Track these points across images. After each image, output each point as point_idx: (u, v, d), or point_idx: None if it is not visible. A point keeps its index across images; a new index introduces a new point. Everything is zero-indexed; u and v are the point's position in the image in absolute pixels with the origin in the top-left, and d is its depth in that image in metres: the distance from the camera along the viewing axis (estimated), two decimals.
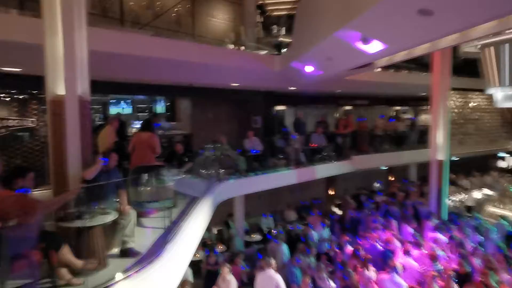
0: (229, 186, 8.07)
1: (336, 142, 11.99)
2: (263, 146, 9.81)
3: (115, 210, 4.13)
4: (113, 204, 4.24)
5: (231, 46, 10.98)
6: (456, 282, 6.15)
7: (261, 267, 6.55)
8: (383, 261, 7.14)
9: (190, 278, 6.68)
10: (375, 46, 5.97)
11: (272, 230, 10.34)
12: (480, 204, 13.14)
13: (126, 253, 3.97)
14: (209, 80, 10.22)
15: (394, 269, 6.09)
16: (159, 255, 3.77)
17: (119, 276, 3.28)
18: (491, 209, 12.50)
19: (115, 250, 4.08)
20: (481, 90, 14.06)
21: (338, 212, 12.52)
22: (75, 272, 3.44)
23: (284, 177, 9.68)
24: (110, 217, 3.93)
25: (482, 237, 8.82)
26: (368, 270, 6.33)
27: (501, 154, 16.41)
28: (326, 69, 8.78)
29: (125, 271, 3.39)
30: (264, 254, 8.59)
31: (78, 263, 3.41)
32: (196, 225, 5.39)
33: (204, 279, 7.35)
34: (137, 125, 10.50)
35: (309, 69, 8.76)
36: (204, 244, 9.55)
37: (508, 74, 7.25)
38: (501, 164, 17.20)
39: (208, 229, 9.36)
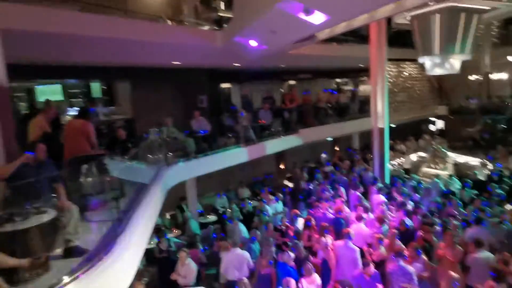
0: (179, 170, 7.80)
1: (283, 117, 12.14)
2: (211, 125, 9.57)
3: (54, 208, 3.72)
4: (50, 201, 3.82)
5: (169, 22, 10.36)
6: (400, 240, 6.62)
7: (226, 247, 6.52)
8: (336, 228, 7.48)
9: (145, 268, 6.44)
10: (317, 17, 5.96)
11: (227, 210, 10.32)
12: (416, 166, 14.29)
13: (70, 252, 3.62)
14: (148, 59, 9.60)
15: (347, 235, 6.37)
16: (110, 250, 3.51)
17: (65, 279, 2.98)
18: (425, 169, 13.66)
19: (58, 251, 3.71)
20: (412, 60, 15.00)
21: (290, 185, 12.82)
22: (14, 281, 3.07)
23: (235, 156, 9.60)
24: (47, 216, 3.53)
25: (420, 196, 9.63)
26: (324, 238, 6.57)
27: (432, 119, 17.86)
28: (270, 43, 8.67)
29: (71, 272, 3.09)
30: (221, 234, 8.61)
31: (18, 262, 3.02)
32: (148, 213, 5.12)
33: (158, 266, 7.14)
34: (71, 112, 9.62)
35: (253, 43, 8.59)
36: (158, 231, 9.28)
37: (437, 43, 7.67)
38: (432, 127, 18.79)
39: (161, 215, 9.07)
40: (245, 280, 5.35)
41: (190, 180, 9.53)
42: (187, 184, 9.89)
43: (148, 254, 7.77)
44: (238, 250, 6.43)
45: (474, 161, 13.17)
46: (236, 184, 12.75)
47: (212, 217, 10.68)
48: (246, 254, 6.48)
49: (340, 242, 6.45)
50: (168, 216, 10.67)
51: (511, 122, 15.35)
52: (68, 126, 5.29)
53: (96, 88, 11.85)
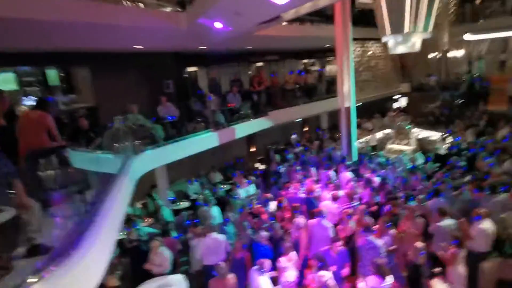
0: (147, 158, 7.60)
1: (252, 100, 12.09)
2: (178, 111, 9.35)
3: (12, 206, 3.51)
4: (8, 199, 3.59)
5: (128, 4, 9.83)
6: (368, 215, 6.89)
7: (203, 233, 6.49)
8: (308, 208, 7.66)
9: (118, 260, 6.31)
10: None
11: (200, 196, 10.26)
12: (382, 143, 14.82)
13: (34, 251, 3.45)
14: (108, 44, 9.12)
15: (320, 214, 6.54)
16: (78, 246, 3.38)
17: (30, 279, 2.84)
18: (390, 146, 14.20)
19: (21, 250, 3.52)
20: (376, 39, 15.30)
21: (262, 167, 12.92)
22: None
23: (205, 141, 9.48)
24: (5, 215, 3.32)
25: (386, 172, 10.02)
26: (297, 218, 6.71)
27: (395, 96, 18.48)
28: (235, 25, 8.48)
29: (36, 271, 2.94)
30: (194, 220, 8.57)
31: None
32: (117, 204, 4.97)
33: (130, 256, 7.03)
34: (27, 102, 9.03)
35: (218, 25, 8.36)
36: (129, 221, 9.09)
37: (400, 22, 7.80)
38: (395, 104, 19.47)
39: (132, 204, 8.88)
40: (222, 264, 5.38)
41: (160, 167, 9.34)
42: (157, 172, 9.70)
43: (121, 245, 7.65)
44: (215, 234, 6.45)
45: (435, 135, 13.83)
46: (207, 169, 12.67)
47: (184, 204, 10.60)
48: (223, 237, 6.53)
49: (313, 221, 6.62)
50: (139, 205, 10.46)
51: (468, 98, 16.15)
52: (24, 118, 4.95)
53: (52, 75, 11.14)
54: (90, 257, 3.55)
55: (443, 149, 12.09)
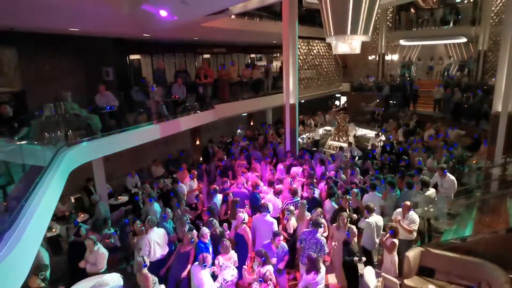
0: (82, 150, 7.08)
1: (198, 92, 11.86)
2: (118, 101, 8.83)
3: None
4: None
5: None
6: (309, 209, 7.15)
7: (145, 230, 6.31)
8: (252, 202, 7.73)
9: (46, 260, 5.82)
10: None
11: (140, 190, 9.86)
12: (323, 139, 15.48)
13: None
14: (39, 23, 8.28)
15: (265, 208, 6.62)
16: None
17: None
18: (331, 142, 14.90)
19: None
20: (321, 39, 15.86)
21: (206, 161, 12.76)
22: None
23: (146, 133, 9.10)
24: None
25: (325, 167, 10.48)
26: (240, 213, 6.72)
27: (337, 95, 19.38)
28: (181, 14, 8.23)
29: None
30: (134, 215, 8.22)
31: None
32: (45, 199, 4.57)
33: (68, 253, 6.56)
34: None
35: (163, 13, 8.04)
36: (63, 217, 8.45)
37: (342, 24, 8.13)
38: (336, 103, 20.45)
39: (64, 200, 8.26)
40: (139, 260, 5.26)
41: (96, 160, 8.77)
42: (94, 165, 9.10)
43: (53, 243, 7.11)
44: (159, 229, 6.32)
45: (371, 133, 14.78)
46: (149, 162, 12.21)
47: (123, 198, 10.12)
48: (163, 229, 6.43)
49: (257, 216, 6.69)
50: (72, 199, 9.78)
51: (401, 99, 17.49)
52: None
53: None
54: (12, 259, 3.22)
55: (376, 146, 12.96)
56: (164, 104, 10.06)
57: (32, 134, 6.56)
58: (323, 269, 5.31)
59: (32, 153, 5.93)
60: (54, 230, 7.73)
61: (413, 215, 6.50)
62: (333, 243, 6.22)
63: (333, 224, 6.59)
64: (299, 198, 7.77)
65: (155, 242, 6.16)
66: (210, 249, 6.04)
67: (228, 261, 5.56)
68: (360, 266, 6.12)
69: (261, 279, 4.87)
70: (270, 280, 4.98)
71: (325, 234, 6.52)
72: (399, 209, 6.76)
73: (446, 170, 7.98)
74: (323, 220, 6.54)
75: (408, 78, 18.38)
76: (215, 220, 6.56)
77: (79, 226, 6.92)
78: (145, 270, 5.22)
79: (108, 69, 11.61)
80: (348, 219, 6.30)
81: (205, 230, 6.11)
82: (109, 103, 8.53)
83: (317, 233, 5.97)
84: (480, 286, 5.76)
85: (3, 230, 3.30)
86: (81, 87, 10.34)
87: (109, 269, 6.12)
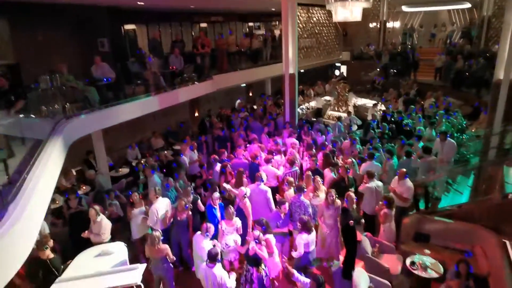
0: (81, 123, 7.06)
1: (196, 63, 11.66)
2: (115, 72, 8.69)
3: None
4: None
5: None
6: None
7: (149, 201, 6.42)
8: (251, 173, 7.82)
9: (46, 230, 5.97)
10: None
11: (140, 162, 9.94)
12: (323, 109, 15.40)
13: None
14: None
15: (259, 178, 6.74)
16: (1, 219, 3.11)
17: None
18: (330, 112, 14.82)
19: None
20: (321, 6, 15.38)
21: (202, 133, 12.76)
22: None
23: (145, 105, 9.03)
24: None
25: (325, 137, 10.51)
26: (242, 183, 6.83)
27: (337, 64, 19.06)
28: None
29: None
30: (135, 187, 8.34)
31: None
32: (47, 171, 4.62)
33: (69, 225, 6.71)
34: None
35: None
36: (66, 190, 8.56)
37: None
38: (336, 72, 20.15)
39: (66, 172, 8.33)
40: (156, 233, 5.34)
41: (96, 132, 8.77)
42: (94, 137, 9.10)
43: (56, 214, 7.24)
44: (164, 199, 6.44)
45: (370, 103, 14.68)
46: (149, 134, 12.21)
47: (124, 170, 10.21)
48: (168, 200, 6.53)
49: (253, 185, 6.80)
50: (74, 172, 9.86)
51: (402, 68, 17.21)
52: None
53: None
54: (17, 230, 3.30)
55: (376, 116, 12.92)
56: (162, 75, 9.92)
57: (29, 107, 6.51)
58: (313, 231, 5.58)
59: (30, 126, 5.94)
60: (57, 202, 7.86)
61: (408, 182, 6.59)
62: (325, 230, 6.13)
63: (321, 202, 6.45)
64: (297, 168, 7.86)
65: (162, 211, 6.28)
66: (219, 214, 6.19)
67: (231, 227, 5.71)
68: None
69: (256, 240, 5.01)
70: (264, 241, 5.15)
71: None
72: (396, 177, 6.86)
73: (449, 135, 8.00)
74: (324, 187, 6.70)
75: (410, 46, 17.99)
76: (229, 186, 6.70)
77: (80, 197, 7.03)
78: (162, 244, 5.32)
79: (103, 39, 11.34)
80: (336, 196, 6.12)
81: (216, 195, 6.25)
82: (106, 74, 8.39)
83: (301, 197, 6.19)
84: (473, 250, 5.95)
85: (8, 202, 3.35)
86: (76, 58, 10.13)
87: (113, 239, 6.30)
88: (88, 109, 7.42)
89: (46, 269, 5.04)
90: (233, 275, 4.80)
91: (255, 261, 5.00)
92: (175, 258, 5.54)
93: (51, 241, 5.24)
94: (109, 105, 8.01)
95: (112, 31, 11.83)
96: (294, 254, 5.41)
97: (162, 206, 6.31)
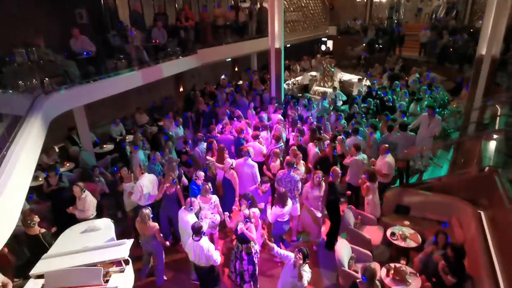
0: (61, 98, 6.86)
1: (179, 36, 11.34)
2: (95, 46, 8.38)
3: None
4: None
5: None
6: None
7: (129, 178, 6.45)
8: (236, 148, 7.85)
9: (27, 206, 5.94)
10: None
11: (125, 137, 9.81)
12: (308, 85, 15.37)
13: None
14: None
15: (246, 153, 6.78)
16: None
17: None
18: (316, 87, 14.82)
19: None
20: None
21: (187, 109, 12.61)
22: None
23: (127, 80, 8.81)
24: None
25: (310, 113, 10.56)
26: (227, 159, 6.87)
27: (323, 39, 18.85)
28: None
29: None
30: (120, 163, 8.26)
31: None
32: (27, 148, 4.52)
33: (51, 202, 6.66)
34: None
35: None
36: (50, 167, 8.43)
37: None
38: (323, 47, 19.96)
39: (47, 149, 8.16)
40: (146, 210, 5.39)
41: (78, 108, 8.56)
42: (75, 113, 8.88)
43: (39, 191, 7.15)
44: (150, 175, 6.41)
45: (356, 78, 14.71)
46: (133, 110, 11.99)
47: (108, 146, 10.08)
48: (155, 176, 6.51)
49: (240, 160, 6.86)
50: (57, 149, 9.67)
51: (388, 43, 17.18)
52: None
53: None
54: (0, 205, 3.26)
55: (361, 91, 12.99)
56: (145, 49, 9.63)
57: (5, 82, 6.26)
58: (289, 202, 5.72)
59: (7, 102, 5.75)
60: (40, 179, 7.74)
61: (387, 158, 6.72)
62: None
63: (306, 184, 6.43)
64: (282, 144, 7.92)
65: (147, 187, 6.28)
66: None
67: (206, 204, 5.77)
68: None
69: (247, 219, 5.11)
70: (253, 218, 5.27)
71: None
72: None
73: (436, 110, 8.12)
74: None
75: (396, 21, 17.90)
76: (211, 164, 6.72)
77: (60, 174, 6.94)
78: (152, 222, 5.41)
79: (81, 11, 10.82)
80: (323, 178, 6.12)
81: (200, 173, 6.28)
82: (85, 48, 8.09)
83: (291, 172, 6.25)
84: (450, 221, 6.22)
85: None
86: (53, 31, 9.66)
87: (99, 215, 6.31)
88: (68, 84, 7.19)
89: (39, 244, 5.07)
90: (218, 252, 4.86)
91: (244, 239, 5.10)
92: (164, 240, 5.60)
93: (36, 216, 5.23)
94: (91, 80, 7.78)
95: (91, 2, 11.29)
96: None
97: (147, 182, 6.30)
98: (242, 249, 5.20)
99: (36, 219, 5.18)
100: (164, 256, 5.80)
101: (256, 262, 5.29)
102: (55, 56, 7.28)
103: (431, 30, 15.51)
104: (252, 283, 5.38)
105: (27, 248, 5.43)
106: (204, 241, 4.66)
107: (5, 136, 4.43)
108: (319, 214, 6.18)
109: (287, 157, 6.72)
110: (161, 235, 5.55)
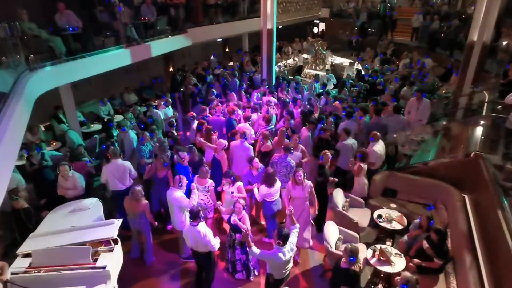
0: (47, 75, 6.64)
1: (169, 14, 11.03)
2: (82, 21, 8.09)
3: None
4: None
5: None
6: (287, 137, 7.34)
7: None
8: (228, 130, 7.80)
9: (21, 182, 5.85)
10: None
11: (113, 117, 9.63)
12: (300, 67, 15.26)
13: None
14: None
15: (243, 135, 6.76)
16: None
17: None
18: (307, 70, 14.72)
19: None
20: None
21: (173, 90, 12.43)
22: None
23: (115, 58, 8.57)
24: None
25: (300, 95, 10.52)
26: (217, 139, 6.84)
27: (316, 21, 18.60)
28: None
29: None
30: (108, 143, 8.14)
31: None
32: (12, 125, 4.39)
33: (33, 181, 6.54)
34: None
35: None
36: (31, 145, 8.26)
37: None
38: (315, 30, 19.74)
39: (31, 128, 7.98)
40: (138, 187, 5.37)
41: (64, 87, 8.33)
42: (61, 92, 8.66)
43: (22, 170, 7.03)
44: (119, 161, 6.19)
45: (347, 62, 14.66)
46: (121, 90, 11.76)
47: (96, 126, 9.91)
48: (127, 163, 6.28)
49: (236, 142, 6.85)
50: (42, 128, 9.46)
51: (381, 27, 17.08)
52: None
53: None
54: None
55: (352, 75, 12.97)
56: (133, 26, 9.35)
57: None
58: (278, 183, 5.72)
59: None
60: (25, 158, 7.60)
61: (374, 146, 6.72)
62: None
63: (289, 181, 5.89)
64: (273, 126, 7.92)
65: (111, 174, 6.13)
66: (188, 172, 6.23)
67: (201, 186, 5.77)
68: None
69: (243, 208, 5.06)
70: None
71: (306, 159, 6.88)
72: None
73: (424, 94, 8.16)
74: (301, 146, 6.84)
75: (389, 5, 17.75)
76: (194, 147, 6.68)
77: (42, 153, 6.81)
78: (144, 200, 5.41)
79: None
80: (305, 176, 5.60)
81: (185, 155, 6.24)
82: (71, 23, 7.79)
83: (287, 157, 6.25)
84: (436, 204, 6.37)
85: None
86: (37, 4, 9.29)
87: (87, 195, 6.24)
88: (54, 61, 6.96)
89: (20, 220, 5.02)
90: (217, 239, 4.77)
91: (237, 229, 5.06)
92: (152, 219, 5.60)
93: (22, 192, 5.19)
94: (77, 57, 7.54)
95: None
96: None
97: (113, 169, 6.11)
98: (235, 237, 5.19)
99: (22, 194, 5.13)
100: (152, 237, 5.82)
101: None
102: (39, 31, 7.00)
103: (424, 15, 15.46)
104: (244, 272, 5.41)
105: (14, 224, 5.38)
106: (202, 226, 4.58)
107: None
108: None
109: (285, 141, 6.68)
110: (150, 214, 5.55)
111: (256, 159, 6.21)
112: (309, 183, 5.61)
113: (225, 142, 6.72)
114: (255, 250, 4.25)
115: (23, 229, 4.92)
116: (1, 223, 5.41)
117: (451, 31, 13.52)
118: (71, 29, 7.76)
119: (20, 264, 4.30)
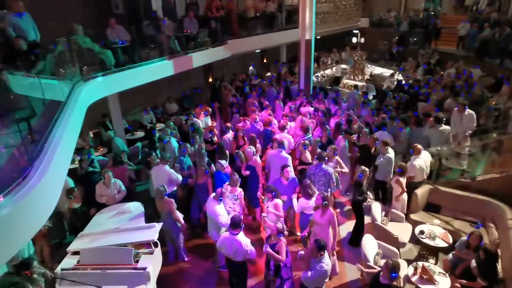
0: (98, 85, 7.13)
1: (210, 27, 11.41)
2: (130, 35, 8.61)
3: None
4: None
5: None
6: (320, 147, 7.26)
7: (156, 163, 6.60)
8: (265, 139, 7.87)
9: (71, 184, 6.27)
10: None
11: (156, 125, 10.04)
12: (338, 78, 15.10)
13: None
14: None
15: (281, 145, 6.78)
16: (27, 174, 3.26)
17: None
18: (346, 81, 14.53)
19: None
20: None
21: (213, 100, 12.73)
22: None
23: (159, 69, 8.99)
24: None
25: (338, 106, 10.37)
26: (252, 148, 6.90)
27: (355, 31, 18.37)
28: None
29: None
30: (149, 150, 8.51)
31: None
32: (67, 131, 4.75)
33: (82, 184, 6.97)
34: None
35: None
36: (83, 151, 8.83)
37: None
38: (354, 40, 19.47)
39: (81, 134, 8.53)
40: (161, 187, 5.66)
41: (112, 96, 8.87)
42: (110, 101, 9.23)
43: (74, 174, 7.52)
44: (163, 167, 6.43)
45: (387, 72, 14.30)
46: (164, 99, 12.28)
47: (139, 133, 10.41)
48: (170, 170, 6.47)
49: (274, 151, 6.87)
50: (91, 134, 10.09)
51: (423, 36, 16.53)
52: None
53: None
54: (42, 186, 3.46)
55: (392, 85, 12.62)
56: (176, 39, 9.78)
57: (48, 68, 6.56)
58: (315, 197, 5.49)
59: (49, 88, 6.00)
60: (76, 162, 8.14)
61: (414, 160, 6.47)
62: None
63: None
64: (310, 135, 7.87)
65: (154, 178, 6.45)
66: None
67: (231, 194, 5.83)
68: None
69: (280, 234, 4.71)
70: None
71: (345, 170, 6.82)
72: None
73: (467, 106, 7.76)
74: (337, 157, 6.75)
75: (433, 13, 17.16)
76: (240, 152, 6.78)
77: (92, 159, 7.25)
78: (166, 198, 5.64)
79: (117, 1, 11.12)
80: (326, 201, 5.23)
81: (224, 162, 6.39)
82: (121, 37, 8.33)
83: (322, 165, 6.19)
84: (484, 222, 5.98)
85: (33, 158, 3.50)
86: (90, 20, 10.01)
87: (129, 200, 6.53)
88: (104, 72, 7.45)
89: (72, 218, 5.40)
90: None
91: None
92: (179, 218, 5.74)
93: (76, 192, 5.60)
94: (125, 69, 8.01)
95: None
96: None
97: (158, 174, 6.40)
98: (270, 259, 4.83)
99: (76, 194, 5.54)
100: (183, 236, 6.00)
101: (284, 277, 4.78)
102: (92, 45, 7.53)
103: (471, 23, 14.76)
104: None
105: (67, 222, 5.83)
106: (242, 236, 4.58)
107: (47, 119, 4.66)
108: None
109: (318, 151, 6.63)
110: (180, 214, 5.72)
111: (289, 169, 6.17)
112: (331, 212, 5.19)
113: (252, 148, 6.74)
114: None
115: (74, 228, 5.27)
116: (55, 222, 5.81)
117: (503, 39, 12.79)
118: (120, 42, 8.27)
119: (69, 261, 4.60)
